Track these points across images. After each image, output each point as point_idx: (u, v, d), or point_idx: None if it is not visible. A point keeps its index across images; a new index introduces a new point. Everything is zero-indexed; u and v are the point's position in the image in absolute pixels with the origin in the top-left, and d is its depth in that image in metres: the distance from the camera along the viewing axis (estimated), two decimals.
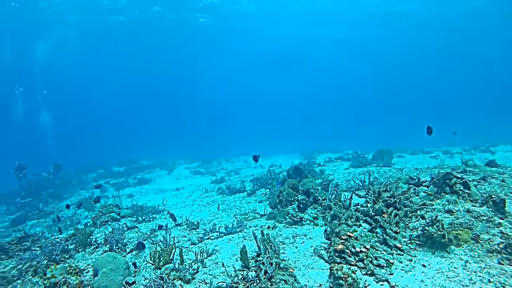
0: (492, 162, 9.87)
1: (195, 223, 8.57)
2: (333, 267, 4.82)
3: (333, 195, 7.12)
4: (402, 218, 5.95)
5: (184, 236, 7.92)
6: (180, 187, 18.44)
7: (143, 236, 8.40)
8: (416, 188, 7.28)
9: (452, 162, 14.24)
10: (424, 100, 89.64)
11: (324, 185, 8.93)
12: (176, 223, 9.16)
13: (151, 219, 10.39)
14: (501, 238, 5.20)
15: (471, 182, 7.59)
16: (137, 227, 9.48)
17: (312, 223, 6.90)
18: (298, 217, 6.90)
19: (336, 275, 4.68)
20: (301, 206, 7.11)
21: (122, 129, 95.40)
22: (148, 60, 45.65)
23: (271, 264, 5.06)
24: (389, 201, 6.11)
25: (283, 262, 5.36)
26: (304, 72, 58.27)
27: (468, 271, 4.67)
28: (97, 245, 7.80)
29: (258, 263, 5.25)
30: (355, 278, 4.63)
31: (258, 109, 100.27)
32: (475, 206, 6.09)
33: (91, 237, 8.17)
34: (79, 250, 7.69)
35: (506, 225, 5.51)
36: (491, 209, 5.89)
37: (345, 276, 4.68)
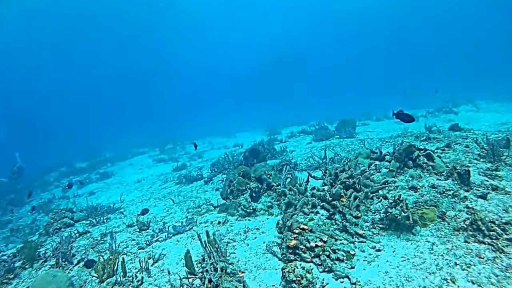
0: (455, 126, 9.47)
1: (146, 222, 7.76)
2: (285, 268, 4.15)
3: (288, 179, 6.41)
4: (363, 201, 5.33)
5: (133, 240, 7.13)
6: (141, 179, 17.45)
7: (92, 243, 7.55)
8: (378, 163, 6.69)
9: (416, 127, 13.89)
10: (391, 64, 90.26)
11: (282, 166, 8.25)
12: (127, 225, 8.35)
13: (105, 220, 9.54)
14: (467, 214, 4.69)
15: (436, 151, 7.09)
16: (89, 231, 8.60)
17: (266, 212, 6.21)
18: (251, 208, 6.18)
19: (288, 278, 4.02)
20: (254, 195, 6.38)
21: (84, 119, 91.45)
22: (107, 44, 43.08)
23: (216, 270, 4.36)
24: (347, 182, 5.46)
25: (231, 266, 4.65)
26: (266, 35, 56.68)
27: (434, 255, 4.14)
28: (45, 258, 6.89)
29: (204, 269, 4.56)
30: (311, 279, 3.99)
31: (222, 87, 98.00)
32: (440, 179, 5.54)
33: (40, 249, 7.25)
34: (26, 266, 6.74)
35: (472, 199, 5.01)
36: (456, 182, 5.36)
37: (298, 279, 4.02)
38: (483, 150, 6.69)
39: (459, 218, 4.66)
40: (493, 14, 48.75)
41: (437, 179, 5.54)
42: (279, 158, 10.43)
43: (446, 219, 4.72)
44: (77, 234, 8.22)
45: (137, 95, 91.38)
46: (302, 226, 4.79)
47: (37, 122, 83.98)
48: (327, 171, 5.91)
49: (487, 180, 5.50)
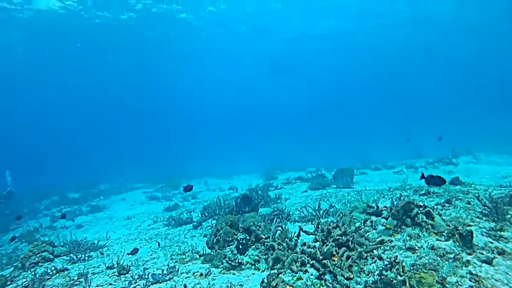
0: (456, 180, 9.15)
1: (126, 266, 7.25)
2: None
3: (278, 232, 5.99)
4: (356, 261, 4.89)
5: (110, 284, 6.61)
6: (132, 216, 16.95)
7: (67, 283, 7.03)
8: (375, 218, 6.30)
9: (416, 179, 13.56)
10: (390, 110, 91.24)
11: (274, 216, 7.84)
12: (107, 266, 7.84)
13: (87, 258, 9.03)
14: (470, 281, 4.26)
15: (436, 207, 6.73)
16: (67, 269, 8.08)
17: (253, 267, 5.73)
18: (237, 261, 5.71)
19: None
20: (241, 247, 5.94)
21: (82, 149, 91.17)
22: (106, 75, 43.72)
23: None
24: (340, 240, 5.06)
25: None
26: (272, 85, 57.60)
27: None
28: None
29: None
30: None
31: (221, 127, 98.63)
32: (440, 240, 5.14)
33: (9, 285, 6.76)
34: None
35: (475, 263, 4.59)
36: (457, 244, 4.96)
37: None
38: (486, 207, 6.31)
39: (461, 285, 4.23)
40: (493, 64, 49.78)
41: (437, 240, 5.14)
42: (272, 207, 10.03)
43: (447, 285, 4.29)
44: (54, 271, 7.71)
45: (139, 129, 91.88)
46: (288, 287, 4.35)
47: (37, 145, 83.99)
48: (319, 226, 5.52)
49: (491, 242, 5.10)
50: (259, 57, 41.70)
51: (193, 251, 7.48)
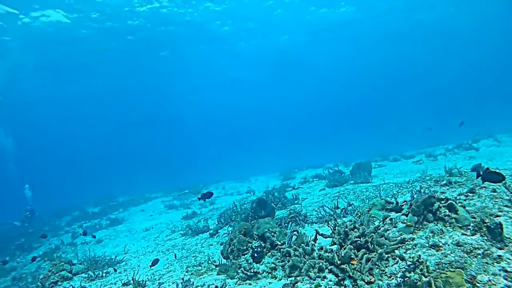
0: (478, 166, 8.68)
1: (142, 282, 7.13)
2: None
3: (294, 237, 5.74)
4: (377, 263, 4.60)
5: None
6: (150, 227, 16.93)
7: None
8: (395, 215, 5.97)
9: (436, 168, 13.07)
10: (407, 100, 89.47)
11: (290, 219, 7.59)
12: (122, 283, 7.76)
13: (105, 275, 9.02)
14: (505, 279, 3.91)
15: (459, 198, 6.36)
16: (85, 287, 8.07)
17: (269, 275, 5.49)
18: (252, 271, 5.47)
19: None
20: (256, 255, 5.71)
21: (100, 163, 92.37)
22: (121, 88, 44.14)
23: None
24: (359, 241, 4.78)
25: None
26: (289, 79, 57.02)
27: None
28: None
29: None
30: None
31: (237, 129, 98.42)
32: (466, 234, 4.79)
33: None
34: None
35: (509, 259, 4.22)
36: (485, 238, 4.60)
37: None
38: None
39: (495, 284, 3.89)
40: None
41: (463, 234, 4.79)
42: (288, 208, 9.76)
43: (478, 284, 3.95)
44: None
45: (155, 138, 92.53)
46: None
47: (56, 161, 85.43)
48: (336, 228, 5.24)
49: None
50: (266, 55, 41.24)
51: (209, 261, 7.29)
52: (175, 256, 9.04)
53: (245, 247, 6.09)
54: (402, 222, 5.46)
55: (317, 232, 5.53)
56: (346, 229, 4.86)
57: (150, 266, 8.60)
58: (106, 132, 72.99)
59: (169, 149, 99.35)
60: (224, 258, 6.51)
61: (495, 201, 6.03)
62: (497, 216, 5.29)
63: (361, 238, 4.76)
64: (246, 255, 5.97)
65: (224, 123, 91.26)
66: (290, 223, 6.24)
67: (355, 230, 4.89)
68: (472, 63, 58.86)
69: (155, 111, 63.09)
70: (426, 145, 26.43)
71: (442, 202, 5.22)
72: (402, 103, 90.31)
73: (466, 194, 6.55)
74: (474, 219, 5.05)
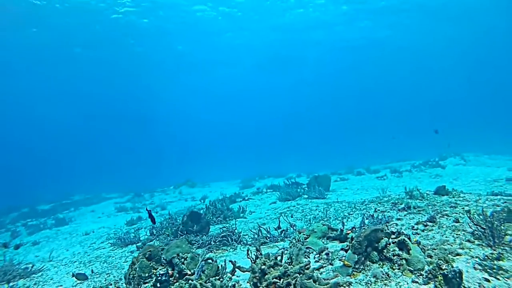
0: (442, 189, 7.75)
1: None
2: None
3: (207, 267, 4.49)
4: None
5: None
6: (91, 231, 15.45)
7: None
8: (335, 247, 4.82)
9: (399, 185, 12.23)
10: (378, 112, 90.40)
11: (222, 238, 6.37)
12: None
13: None
14: None
15: (416, 227, 5.32)
16: None
17: None
18: None
19: None
20: (159, 285, 4.44)
21: (63, 159, 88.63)
22: (84, 84, 41.94)
23: None
24: (278, 284, 3.58)
25: None
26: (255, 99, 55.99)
27: None
28: None
29: None
30: None
31: (205, 134, 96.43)
32: (417, 282, 3.66)
33: None
34: None
35: None
36: None
37: None
38: (478, 227, 4.90)
39: None
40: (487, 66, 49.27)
41: (413, 282, 3.67)
42: (228, 224, 8.50)
43: None
44: None
45: (119, 139, 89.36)
46: None
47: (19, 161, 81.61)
48: (257, 260, 4.05)
49: (487, 280, 3.66)
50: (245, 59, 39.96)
51: (116, 285, 5.98)
52: (92, 271, 7.65)
53: (147, 275, 4.81)
54: (340, 260, 4.31)
55: (234, 265, 4.31)
56: (264, 267, 3.67)
57: (78, 280, 7.10)
58: (76, 128, 70.19)
59: (138, 150, 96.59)
60: (126, 284, 5.19)
61: (456, 234, 5.04)
62: (458, 255, 4.27)
63: (282, 280, 3.57)
64: (147, 285, 4.69)
65: (194, 127, 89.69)
66: (203, 250, 4.98)
67: (275, 267, 3.70)
68: (444, 83, 59.93)
69: (122, 109, 60.75)
70: (394, 159, 26.00)
71: (392, 237, 4.11)
72: (377, 115, 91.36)
73: (425, 223, 5.52)
74: (430, 260, 3.97)
